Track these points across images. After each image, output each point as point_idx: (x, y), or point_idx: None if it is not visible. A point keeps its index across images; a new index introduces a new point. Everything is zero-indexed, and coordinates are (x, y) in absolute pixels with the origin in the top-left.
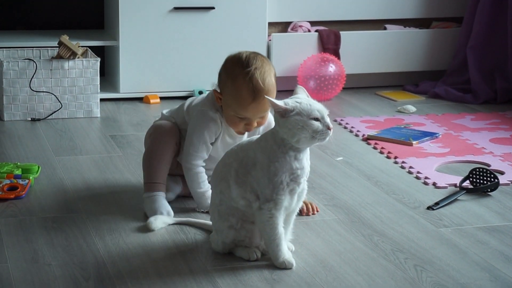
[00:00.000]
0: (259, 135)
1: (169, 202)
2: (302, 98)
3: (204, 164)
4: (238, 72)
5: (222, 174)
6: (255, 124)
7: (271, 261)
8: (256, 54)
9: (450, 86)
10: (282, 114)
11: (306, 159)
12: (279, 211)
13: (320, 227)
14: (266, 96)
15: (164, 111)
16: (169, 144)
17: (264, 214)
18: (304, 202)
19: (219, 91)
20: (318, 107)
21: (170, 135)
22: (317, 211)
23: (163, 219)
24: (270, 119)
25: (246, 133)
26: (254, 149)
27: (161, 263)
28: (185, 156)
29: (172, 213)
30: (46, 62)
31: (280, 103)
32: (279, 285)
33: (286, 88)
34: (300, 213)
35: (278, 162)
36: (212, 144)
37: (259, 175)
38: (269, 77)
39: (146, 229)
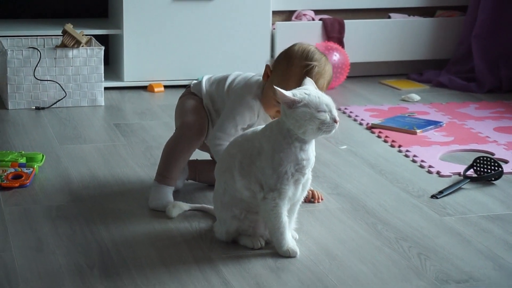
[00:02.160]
0: (263, 125)
1: (179, 190)
2: (310, 90)
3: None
4: (299, 59)
5: (226, 164)
6: None
7: (275, 250)
8: (323, 55)
9: (455, 75)
10: (289, 105)
11: (311, 150)
12: (283, 201)
13: (324, 215)
14: (274, 87)
15: (205, 79)
16: (192, 145)
17: (268, 203)
18: (310, 190)
19: (271, 69)
20: (326, 101)
21: (196, 136)
22: (322, 199)
23: (181, 206)
24: None
25: None
26: (260, 139)
27: (165, 251)
28: (214, 134)
29: (171, 203)
30: (50, 51)
31: (288, 93)
32: (283, 273)
33: None
34: (305, 200)
35: (283, 153)
36: (244, 129)
37: (264, 164)
38: (323, 80)
39: (150, 217)
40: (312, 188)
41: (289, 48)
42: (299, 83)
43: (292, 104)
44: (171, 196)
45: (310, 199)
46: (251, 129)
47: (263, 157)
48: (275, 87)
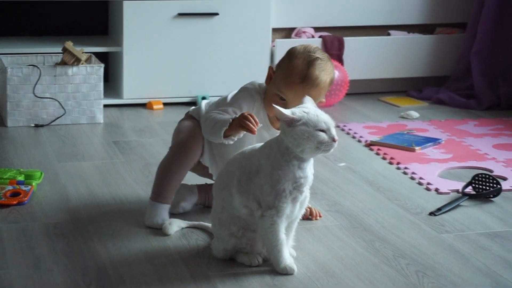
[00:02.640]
0: (262, 143)
1: (185, 212)
2: (309, 108)
3: None
4: (301, 53)
5: (224, 182)
6: None
7: (272, 267)
8: (325, 54)
9: (454, 92)
10: (288, 123)
11: (309, 168)
12: (281, 218)
13: (322, 232)
14: (273, 105)
15: (204, 102)
16: (186, 163)
17: (266, 221)
18: (308, 207)
19: (274, 70)
20: (325, 119)
21: (190, 155)
22: (320, 216)
23: (178, 223)
24: None
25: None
26: (258, 157)
27: (163, 269)
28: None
29: (166, 222)
30: (50, 68)
31: (287, 112)
32: None
33: None
34: (303, 217)
35: (281, 170)
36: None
37: (262, 182)
38: (325, 73)
39: (148, 235)
40: (310, 206)
41: (291, 48)
42: (304, 75)
43: (291, 122)
44: (167, 214)
45: (308, 216)
46: (250, 146)
47: (262, 174)
48: (274, 105)
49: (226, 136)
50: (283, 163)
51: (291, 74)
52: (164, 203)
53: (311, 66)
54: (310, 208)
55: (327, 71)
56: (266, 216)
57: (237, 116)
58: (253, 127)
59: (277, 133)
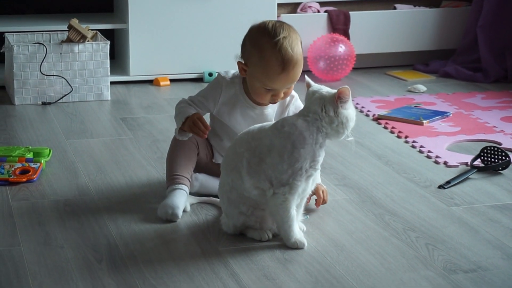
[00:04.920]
0: (271, 122)
1: None
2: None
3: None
4: (265, 42)
5: (233, 163)
6: (282, 95)
7: (282, 242)
8: (281, 23)
9: (461, 65)
10: (345, 102)
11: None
12: (293, 196)
13: (331, 207)
14: (345, 87)
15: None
16: (188, 142)
17: (278, 198)
18: (317, 192)
19: (243, 62)
20: None
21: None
22: (325, 201)
23: (189, 200)
24: (294, 95)
25: (270, 106)
26: (270, 136)
27: (173, 245)
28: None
29: (179, 214)
30: (56, 46)
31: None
32: (291, 265)
33: None
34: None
35: (304, 149)
36: (229, 114)
37: (276, 161)
38: (297, 46)
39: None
40: (321, 187)
41: (248, 36)
42: (281, 62)
43: (347, 102)
44: (180, 198)
45: (319, 204)
46: (258, 125)
47: (275, 153)
48: (344, 88)
49: (180, 131)
50: (308, 141)
51: (269, 69)
52: (177, 184)
53: (283, 51)
54: (319, 192)
55: (296, 41)
56: (279, 193)
57: (190, 116)
58: (202, 133)
59: (264, 111)
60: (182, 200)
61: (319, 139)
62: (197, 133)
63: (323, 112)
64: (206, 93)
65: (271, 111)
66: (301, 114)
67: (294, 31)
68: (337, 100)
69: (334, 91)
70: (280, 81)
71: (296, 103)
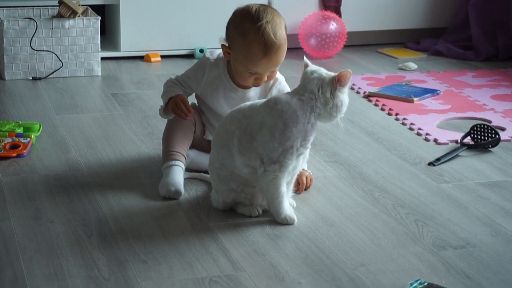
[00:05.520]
0: (262, 100)
1: None
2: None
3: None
4: (248, 26)
5: (223, 141)
6: (265, 78)
7: (272, 218)
8: (265, 7)
9: (452, 44)
10: (344, 86)
11: None
12: (284, 173)
13: (321, 183)
14: (346, 71)
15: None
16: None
17: (268, 175)
18: (301, 178)
19: (227, 45)
20: None
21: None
22: (308, 187)
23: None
24: (279, 78)
25: (253, 88)
26: (262, 114)
27: (163, 220)
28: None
29: (181, 191)
30: (46, 21)
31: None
32: (281, 240)
33: (288, 46)
34: (298, 191)
35: (296, 128)
36: (212, 95)
37: (267, 138)
38: (280, 30)
39: (148, 186)
40: (304, 170)
41: (232, 20)
42: (264, 47)
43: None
44: (176, 175)
45: (302, 190)
46: (248, 103)
47: (266, 131)
48: (345, 71)
49: (165, 110)
50: (301, 120)
51: (252, 54)
52: (172, 160)
53: (265, 36)
54: (302, 178)
55: (279, 25)
56: (269, 170)
57: (173, 96)
58: (184, 114)
59: (246, 94)
60: (181, 176)
61: (312, 118)
62: (179, 114)
63: (319, 93)
64: (190, 73)
65: (254, 94)
66: (296, 93)
67: (278, 15)
68: (337, 82)
69: (334, 73)
70: (263, 65)
71: (279, 86)
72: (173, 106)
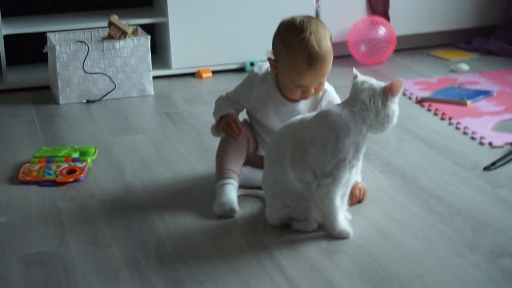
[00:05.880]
0: (312, 113)
1: None
2: None
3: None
4: (293, 38)
5: (276, 157)
6: (313, 91)
7: (328, 232)
8: (310, 18)
9: (504, 41)
10: (395, 96)
11: None
12: (337, 186)
13: (376, 194)
14: (397, 80)
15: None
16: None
17: (322, 189)
18: (354, 190)
19: (273, 58)
20: None
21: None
22: (363, 198)
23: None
24: (328, 89)
25: (302, 101)
26: (314, 127)
27: (219, 239)
28: None
29: (236, 209)
30: (97, 43)
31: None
32: (336, 255)
33: (337, 54)
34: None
35: (348, 139)
36: (262, 110)
37: (320, 152)
38: (325, 41)
39: (203, 205)
40: (357, 183)
41: (277, 32)
42: (308, 58)
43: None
44: (235, 194)
45: (355, 201)
46: (299, 117)
47: (318, 144)
48: (400, 80)
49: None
50: (353, 131)
51: (297, 65)
52: (226, 178)
53: (310, 48)
54: (355, 191)
55: (324, 36)
56: (323, 185)
57: (224, 115)
58: (235, 134)
59: (296, 107)
60: (234, 194)
61: (363, 130)
62: (230, 134)
63: (371, 103)
64: (239, 89)
65: (304, 107)
66: (347, 104)
67: (322, 26)
68: (389, 92)
69: (384, 83)
70: (308, 77)
71: (328, 97)
72: (224, 126)
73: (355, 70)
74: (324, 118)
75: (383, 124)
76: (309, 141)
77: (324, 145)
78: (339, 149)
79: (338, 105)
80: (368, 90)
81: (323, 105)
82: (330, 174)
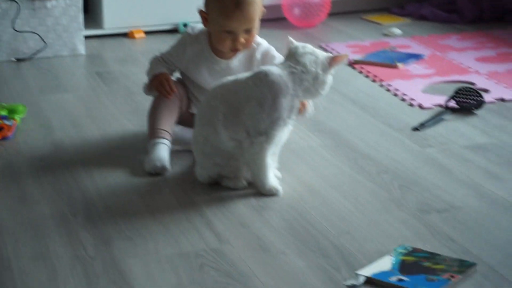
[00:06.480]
0: (246, 73)
1: None
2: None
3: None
4: None
5: (207, 117)
6: (242, 40)
7: (257, 190)
8: None
9: (436, 7)
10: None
11: None
12: (270, 145)
13: (306, 153)
14: (346, 54)
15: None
16: (173, 96)
17: (255, 147)
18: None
19: (204, 10)
20: None
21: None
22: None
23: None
24: (260, 42)
25: (236, 58)
26: (251, 86)
27: (149, 197)
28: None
29: (168, 166)
30: (28, 2)
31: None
32: (266, 212)
33: (271, 16)
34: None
35: (285, 99)
36: (196, 70)
37: (255, 110)
38: None
39: (133, 164)
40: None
41: None
42: (234, 4)
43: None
44: (166, 153)
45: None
46: (231, 78)
47: (255, 102)
48: (346, 55)
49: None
50: (290, 93)
51: (222, 6)
52: (157, 138)
53: None
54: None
55: None
56: (256, 143)
57: (157, 74)
58: (167, 93)
59: (230, 64)
60: (167, 153)
61: (299, 92)
62: (163, 94)
63: (312, 68)
64: (172, 50)
65: (237, 64)
66: (287, 65)
67: None
68: (333, 63)
69: (325, 53)
70: (236, 19)
71: (262, 49)
72: (156, 85)
73: (290, 38)
74: (263, 77)
75: (318, 90)
76: (244, 100)
77: (261, 104)
78: (276, 108)
79: (277, 65)
80: (310, 55)
81: (258, 58)
82: (264, 132)
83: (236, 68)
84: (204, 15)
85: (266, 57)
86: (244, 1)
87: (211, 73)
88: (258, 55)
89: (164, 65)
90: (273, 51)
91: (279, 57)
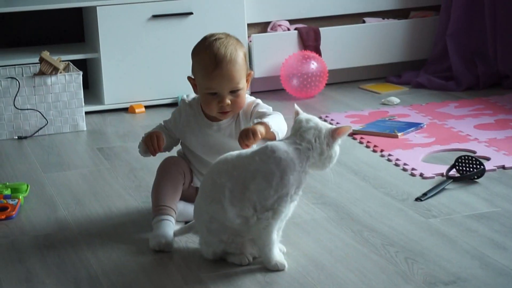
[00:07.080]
0: (250, 148)
1: None
2: None
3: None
4: (201, 44)
5: (212, 195)
6: (228, 101)
7: (263, 265)
8: (226, 34)
9: (433, 75)
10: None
11: None
12: (277, 220)
13: (310, 226)
14: (350, 125)
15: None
16: (176, 173)
17: (261, 223)
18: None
19: (192, 76)
20: None
21: (174, 167)
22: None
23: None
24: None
25: (224, 123)
26: (257, 161)
27: (154, 274)
28: None
29: (172, 243)
30: (28, 79)
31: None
32: (272, 287)
33: (270, 88)
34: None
35: (293, 175)
36: (190, 135)
37: (262, 187)
38: (233, 48)
39: (138, 241)
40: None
41: (192, 51)
42: (213, 58)
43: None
44: (171, 229)
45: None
46: (234, 153)
47: (261, 178)
48: (350, 126)
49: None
50: (298, 168)
51: (203, 67)
52: (162, 215)
53: (213, 48)
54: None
55: (232, 44)
56: (262, 218)
57: (151, 132)
58: (152, 149)
59: (221, 125)
60: (171, 230)
61: (306, 167)
62: (148, 147)
63: (316, 143)
64: (171, 116)
65: (228, 126)
66: (293, 142)
67: (235, 39)
68: (337, 135)
69: (329, 125)
70: (216, 79)
71: (257, 107)
72: (146, 139)
73: (297, 107)
74: (270, 154)
75: (325, 163)
76: (250, 176)
77: (268, 180)
78: (284, 184)
79: (284, 141)
80: (313, 130)
81: (244, 115)
82: (271, 208)
83: (227, 130)
84: (192, 81)
85: (254, 111)
86: (223, 60)
87: (204, 137)
88: (255, 114)
89: (163, 130)
90: (260, 105)
91: (268, 109)
